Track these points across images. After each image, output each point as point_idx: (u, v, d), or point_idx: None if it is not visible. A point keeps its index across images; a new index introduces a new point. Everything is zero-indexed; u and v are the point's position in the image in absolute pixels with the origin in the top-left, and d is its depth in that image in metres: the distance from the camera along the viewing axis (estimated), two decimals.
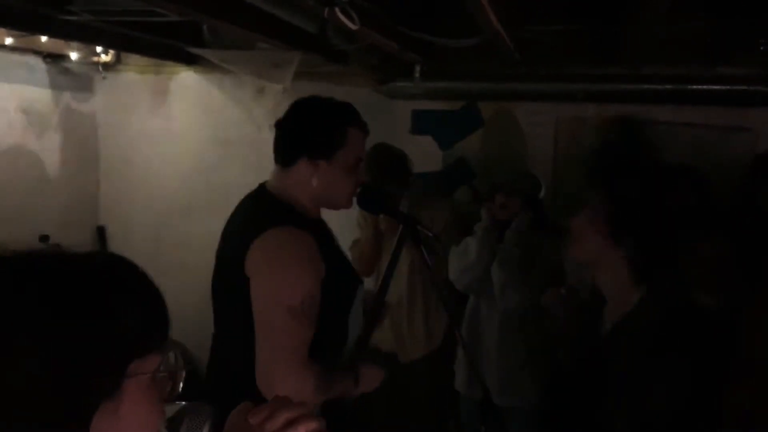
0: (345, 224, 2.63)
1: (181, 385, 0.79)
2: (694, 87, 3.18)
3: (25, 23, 2.70)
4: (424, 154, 3.60)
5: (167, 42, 3.04)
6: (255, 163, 3.27)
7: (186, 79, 4.01)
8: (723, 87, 3.17)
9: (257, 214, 1.77)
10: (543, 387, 2.81)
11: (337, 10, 1.74)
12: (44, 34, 3.09)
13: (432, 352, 3.09)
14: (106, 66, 3.83)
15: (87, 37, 2.88)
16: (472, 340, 2.89)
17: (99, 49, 3.55)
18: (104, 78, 3.92)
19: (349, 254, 2.36)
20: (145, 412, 0.76)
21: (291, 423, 0.77)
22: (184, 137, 4.05)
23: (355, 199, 1.85)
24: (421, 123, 3.74)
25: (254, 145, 3.62)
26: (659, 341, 1.45)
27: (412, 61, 3.31)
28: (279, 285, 1.63)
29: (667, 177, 1.96)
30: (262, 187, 1.82)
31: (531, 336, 2.81)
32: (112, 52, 3.73)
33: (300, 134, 1.77)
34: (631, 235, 1.51)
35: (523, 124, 3.64)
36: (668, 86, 3.21)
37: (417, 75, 3.43)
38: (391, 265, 1.99)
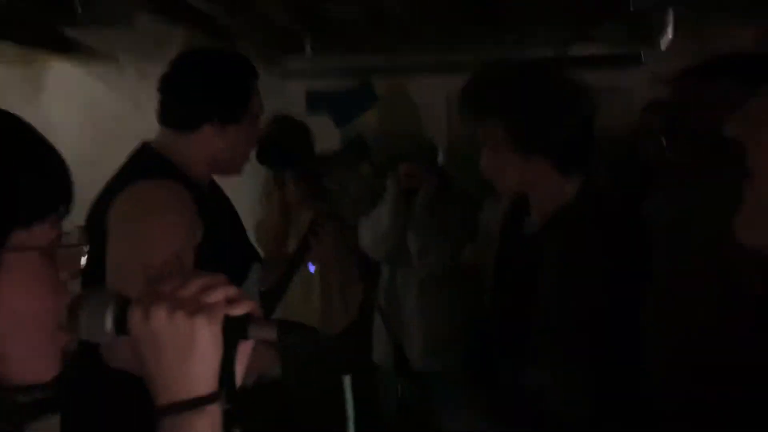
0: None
1: (82, 262, 0.71)
2: (573, 51, 3.37)
3: None
4: (322, 133, 3.58)
5: (35, 18, 2.83)
6: None
7: (60, 71, 3.75)
8: (595, 50, 3.37)
9: (129, 168, 1.57)
10: (466, 347, 2.85)
11: None
12: None
13: (349, 326, 3.05)
14: None
15: None
16: (390, 309, 2.89)
17: None
18: None
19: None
20: (34, 294, 0.67)
21: (206, 289, 0.70)
22: (62, 131, 3.78)
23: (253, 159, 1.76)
24: (316, 103, 3.72)
25: (139, 135, 3.43)
26: (601, 232, 1.42)
27: (301, 36, 3.28)
28: (136, 239, 1.39)
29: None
30: (143, 144, 1.63)
31: (450, 298, 2.86)
32: None
33: (206, 94, 1.57)
34: (551, 131, 1.49)
35: (416, 98, 3.70)
36: (548, 51, 3.37)
37: (308, 51, 3.41)
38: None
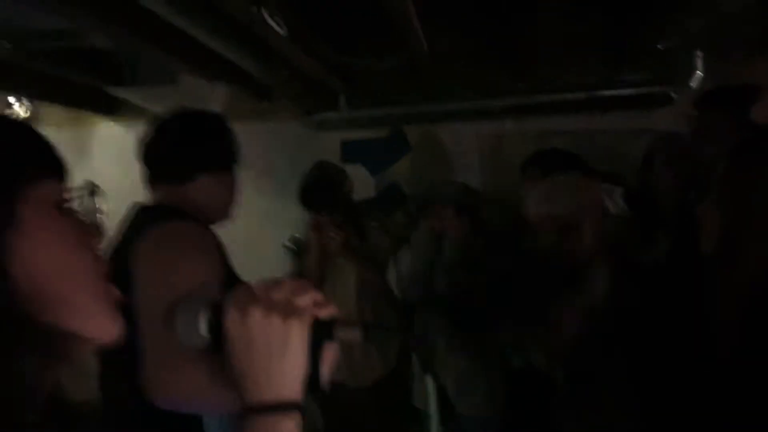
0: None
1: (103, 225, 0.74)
2: (602, 93, 3.40)
3: None
4: (357, 182, 3.64)
5: (83, 81, 2.99)
6: None
7: (107, 131, 3.92)
8: (627, 91, 3.40)
9: (142, 218, 1.57)
10: (499, 392, 2.82)
11: (264, 12, 1.77)
12: None
13: (389, 374, 3.04)
14: None
15: None
16: (426, 353, 2.89)
17: (12, 100, 3.44)
18: None
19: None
20: (57, 242, 0.68)
21: (296, 292, 0.73)
22: (109, 192, 3.92)
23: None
24: (350, 152, 3.79)
25: None
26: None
27: (335, 91, 3.39)
28: (167, 271, 1.38)
29: None
30: (141, 205, 1.65)
31: (483, 341, 2.84)
32: (27, 107, 3.62)
33: (196, 148, 1.63)
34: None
35: (448, 144, 3.76)
36: (578, 95, 3.41)
37: (342, 105, 3.51)
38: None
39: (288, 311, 0.71)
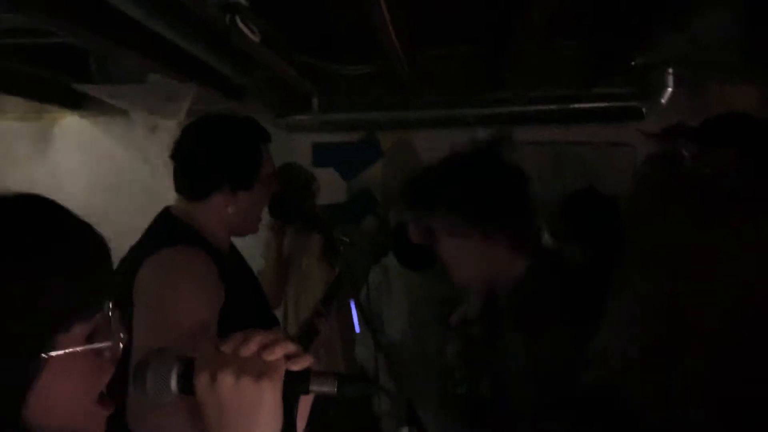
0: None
1: (121, 348, 0.71)
2: (576, 106, 3.42)
3: None
4: (329, 187, 3.60)
5: (50, 76, 2.89)
6: (148, 208, 3.11)
7: (71, 124, 3.82)
8: (601, 105, 3.43)
9: (153, 234, 1.58)
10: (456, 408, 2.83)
11: (238, 18, 1.72)
12: None
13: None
14: None
15: None
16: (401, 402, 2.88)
17: None
18: None
19: None
20: (77, 388, 0.68)
21: (266, 347, 0.71)
22: (69, 185, 3.82)
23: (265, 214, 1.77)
24: (322, 156, 3.76)
25: (148, 188, 3.48)
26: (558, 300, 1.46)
27: (309, 93, 3.34)
28: (161, 306, 1.38)
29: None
30: (165, 209, 1.64)
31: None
32: None
33: (214, 165, 1.58)
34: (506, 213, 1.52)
35: (421, 150, 3.74)
36: (552, 107, 3.42)
37: (315, 108, 3.46)
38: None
39: (259, 371, 0.69)
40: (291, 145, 3.69)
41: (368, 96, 3.37)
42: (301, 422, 0.73)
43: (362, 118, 3.60)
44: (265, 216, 2.85)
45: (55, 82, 3.00)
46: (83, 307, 0.68)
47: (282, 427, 0.70)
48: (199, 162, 1.59)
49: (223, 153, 1.59)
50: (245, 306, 1.59)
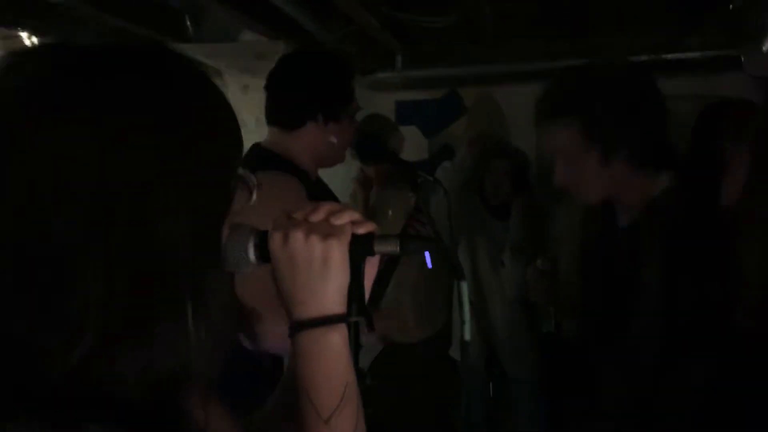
0: None
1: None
2: (668, 57, 3.28)
3: None
4: (410, 143, 3.65)
5: (148, 36, 3.06)
6: None
7: None
8: (693, 54, 3.27)
9: (244, 164, 1.66)
10: (542, 356, 2.84)
11: None
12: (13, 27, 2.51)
13: (442, 327, 3.10)
14: None
15: (65, 31, 2.87)
16: (479, 312, 2.93)
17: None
18: None
19: None
20: None
21: (333, 213, 0.78)
22: None
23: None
24: (405, 113, 3.81)
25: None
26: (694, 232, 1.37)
27: (392, 50, 3.38)
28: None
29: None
30: (255, 145, 1.73)
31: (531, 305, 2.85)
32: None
33: (308, 95, 1.66)
34: (631, 129, 1.48)
35: (504, 106, 3.72)
36: (643, 57, 3.30)
37: (398, 64, 3.50)
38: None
39: (327, 231, 0.75)
40: (374, 104, 3.75)
41: (451, 50, 3.37)
42: (368, 282, 0.79)
43: (445, 73, 3.61)
44: (353, 169, 2.96)
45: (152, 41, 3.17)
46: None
47: (350, 285, 0.77)
48: (296, 91, 1.67)
49: (319, 83, 1.66)
50: None
